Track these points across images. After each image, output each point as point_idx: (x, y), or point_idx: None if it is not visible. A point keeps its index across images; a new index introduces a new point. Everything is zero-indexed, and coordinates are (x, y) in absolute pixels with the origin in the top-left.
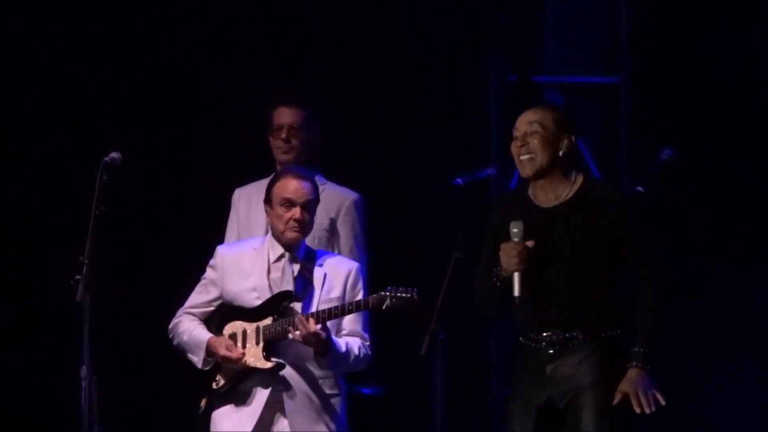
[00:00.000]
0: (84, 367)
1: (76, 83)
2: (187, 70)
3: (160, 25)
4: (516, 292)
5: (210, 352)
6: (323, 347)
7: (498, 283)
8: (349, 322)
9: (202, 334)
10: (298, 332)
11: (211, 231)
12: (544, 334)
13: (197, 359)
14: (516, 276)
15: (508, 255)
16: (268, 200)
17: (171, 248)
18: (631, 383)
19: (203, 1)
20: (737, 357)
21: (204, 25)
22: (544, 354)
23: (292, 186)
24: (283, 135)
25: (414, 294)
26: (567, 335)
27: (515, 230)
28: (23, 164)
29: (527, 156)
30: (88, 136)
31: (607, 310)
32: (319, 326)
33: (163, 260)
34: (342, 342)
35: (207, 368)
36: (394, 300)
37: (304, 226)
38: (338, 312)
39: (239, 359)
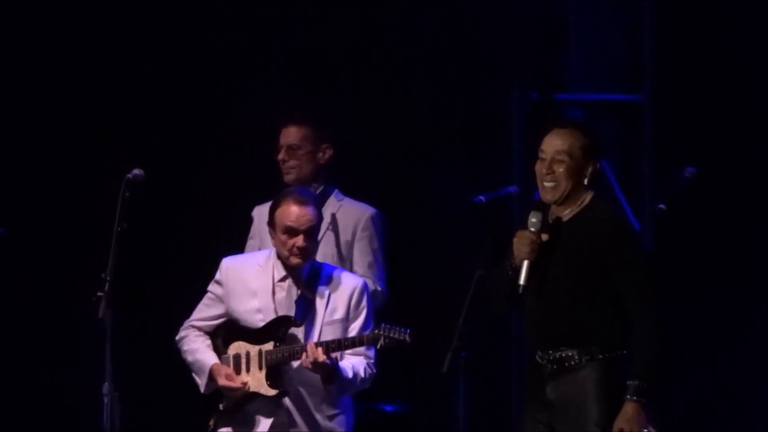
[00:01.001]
0: (106, 383)
1: (97, 101)
2: (208, 86)
3: (182, 45)
4: (521, 281)
5: (212, 377)
6: (330, 376)
7: (510, 272)
8: None
9: (207, 358)
10: (307, 361)
11: (233, 247)
12: (546, 352)
13: (200, 382)
14: (524, 265)
15: (521, 242)
16: (271, 223)
17: (192, 264)
18: (626, 419)
19: (222, 18)
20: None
21: (225, 42)
22: (545, 371)
23: (293, 213)
24: (281, 155)
25: (406, 336)
26: (563, 354)
27: (533, 220)
28: (47, 182)
29: (552, 184)
30: (112, 153)
31: (604, 330)
32: (325, 356)
33: (185, 277)
34: (348, 366)
35: (208, 392)
36: (387, 341)
37: (308, 252)
38: (335, 346)
39: (240, 389)
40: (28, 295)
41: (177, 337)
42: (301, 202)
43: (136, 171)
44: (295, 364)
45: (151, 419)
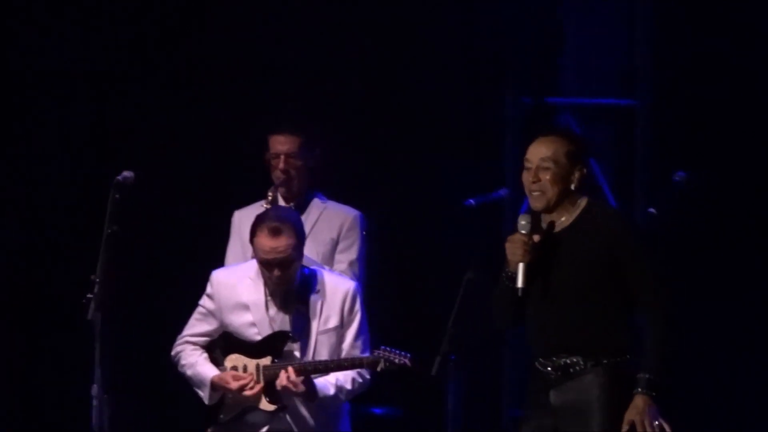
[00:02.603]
0: (95, 385)
1: (88, 104)
2: (198, 90)
3: (171, 48)
4: (519, 284)
5: (216, 388)
6: (307, 397)
7: (507, 282)
8: (348, 348)
9: (206, 371)
10: (279, 384)
11: (221, 250)
12: (549, 359)
13: (203, 395)
14: (520, 267)
15: (514, 246)
16: (251, 244)
17: (181, 266)
18: (637, 412)
19: (210, 22)
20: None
21: (213, 46)
22: (548, 378)
23: (267, 246)
24: (281, 165)
25: (407, 361)
26: (567, 361)
27: (523, 222)
28: (37, 183)
29: (538, 192)
30: (102, 156)
31: (609, 336)
32: (301, 378)
33: (174, 279)
34: (331, 383)
35: (213, 403)
36: (387, 364)
37: (286, 280)
38: (333, 366)
39: (252, 380)
40: (16, 298)
41: (172, 353)
42: (275, 232)
43: (126, 173)
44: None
45: (141, 421)
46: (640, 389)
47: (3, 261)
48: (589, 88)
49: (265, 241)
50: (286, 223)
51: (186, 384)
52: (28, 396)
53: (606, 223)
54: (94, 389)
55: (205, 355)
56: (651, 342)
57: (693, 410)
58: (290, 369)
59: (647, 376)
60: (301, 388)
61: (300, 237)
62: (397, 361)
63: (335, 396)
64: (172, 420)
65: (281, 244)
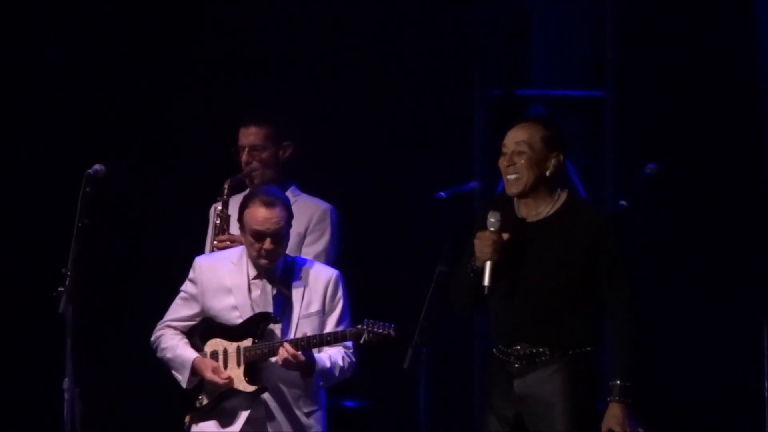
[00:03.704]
0: (66, 379)
1: (61, 95)
2: (169, 83)
3: (145, 39)
4: (486, 282)
5: (195, 371)
6: (307, 370)
7: (471, 274)
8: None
9: (187, 353)
10: (280, 358)
11: (194, 241)
12: (513, 348)
13: (181, 378)
14: (487, 265)
15: (483, 244)
16: (240, 222)
17: (154, 259)
18: (616, 421)
19: (189, 15)
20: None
21: (189, 38)
22: (512, 368)
23: (260, 216)
24: (244, 157)
25: (391, 331)
26: (534, 350)
27: (492, 220)
28: (7, 176)
29: (514, 176)
30: (73, 148)
31: (577, 328)
32: (300, 351)
33: (146, 271)
34: (325, 357)
35: (190, 387)
36: (371, 335)
37: (275, 255)
38: (316, 341)
39: (225, 384)
40: None
41: (152, 338)
42: (269, 204)
43: (97, 166)
44: (274, 359)
45: (113, 415)
46: (616, 397)
47: None
48: (557, 80)
49: (260, 211)
50: (279, 198)
51: (162, 375)
52: (0, 389)
53: (588, 224)
54: (66, 382)
55: (186, 340)
56: (620, 348)
57: (669, 410)
58: (286, 344)
59: (621, 383)
60: (302, 358)
61: (290, 215)
62: (381, 331)
63: (330, 369)
64: (145, 414)
65: (275, 215)
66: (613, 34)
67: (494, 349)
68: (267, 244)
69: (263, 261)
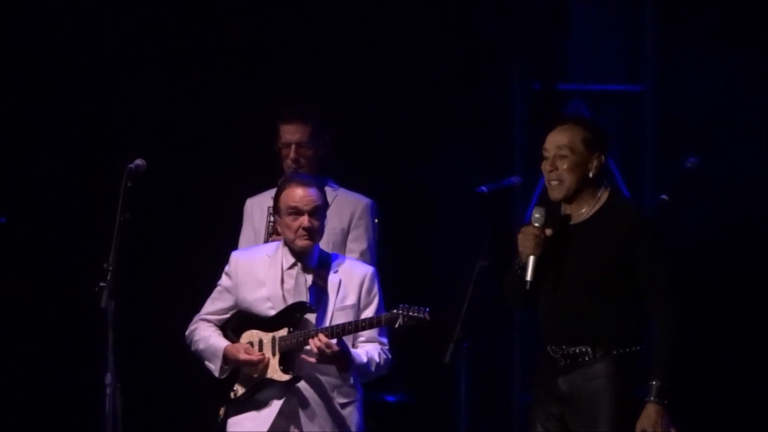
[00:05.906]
0: (108, 374)
1: (100, 92)
2: (210, 79)
3: (181, 36)
4: (528, 277)
5: (228, 359)
6: (343, 362)
7: (519, 270)
8: (367, 331)
9: (219, 342)
10: (314, 348)
11: (234, 237)
12: (559, 346)
13: (214, 367)
14: (530, 260)
15: (526, 238)
16: (276, 210)
17: (194, 254)
18: (650, 422)
19: (220, 10)
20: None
21: (222, 34)
22: (558, 365)
23: (297, 194)
24: (292, 154)
25: (425, 314)
26: (576, 350)
27: (537, 215)
28: (49, 173)
29: (556, 182)
30: (114, 144)
31: (619, 328)
32: (334, 341)
33: (186, 266)
34: (362, 352)
35: (224, 376)
36: (406, 319)
37: (314, 233)
38: (352, 328)
39: (260, 361)
40: (29, 285)
41: (187, 332)
42: (305, 184)
43: (138, 161)
44: (307, 357)
45: (154, 410)
46: (652, 398)
47: (17, 251)
48: (596, 74)
49: (297, 190)
50: (314, 182)
51: (199, 370)
52: (41, 385)
53: (624, 223)
54: (108, 377)
55: (219, 331)
56: (661, 347)
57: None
58: (320, 334)
59: (658, 383)
60: (335, 348)
61: (326, 200)
62: (416, 314)
63: (367, 365)
64: (185, 408)
65: (312, 193)
66: (652, 28)
67: (546, 346)
68: (305, 221)
69: (302, 241)
